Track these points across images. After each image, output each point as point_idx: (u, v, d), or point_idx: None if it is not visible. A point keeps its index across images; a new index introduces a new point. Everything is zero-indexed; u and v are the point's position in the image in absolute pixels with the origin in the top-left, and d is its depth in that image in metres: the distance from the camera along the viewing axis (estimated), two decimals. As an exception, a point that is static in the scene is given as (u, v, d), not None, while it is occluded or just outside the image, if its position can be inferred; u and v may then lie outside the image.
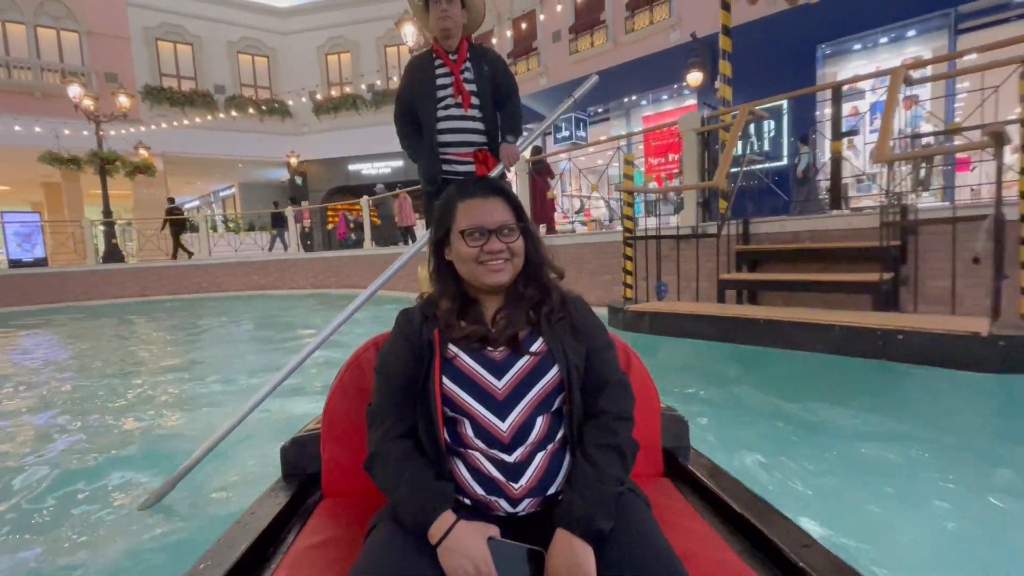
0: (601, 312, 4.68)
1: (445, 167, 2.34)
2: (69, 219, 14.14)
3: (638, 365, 1.10)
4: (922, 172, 3.45)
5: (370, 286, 2.28)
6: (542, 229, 7.77)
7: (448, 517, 0.74)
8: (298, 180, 18.52)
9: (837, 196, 4.88)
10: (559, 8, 13.10)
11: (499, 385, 0.83)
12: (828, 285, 3.78)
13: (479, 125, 2.33)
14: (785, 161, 9.51)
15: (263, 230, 15.81)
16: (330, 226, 16.65)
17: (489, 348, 0.86)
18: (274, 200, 16.53)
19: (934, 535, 1.57)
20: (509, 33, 14.50)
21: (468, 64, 2.30)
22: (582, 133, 13.98)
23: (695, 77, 10.60)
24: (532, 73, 14.00)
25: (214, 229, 16.98)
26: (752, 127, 9.67)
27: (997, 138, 2.97)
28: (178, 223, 13.35)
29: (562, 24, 13.39)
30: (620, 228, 4.90)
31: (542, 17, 13.75)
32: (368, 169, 18.21)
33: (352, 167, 18.40)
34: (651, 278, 4.66)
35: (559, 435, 0.84)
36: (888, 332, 3.00)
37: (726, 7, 5.64)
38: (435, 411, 0.82)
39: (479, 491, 0.80)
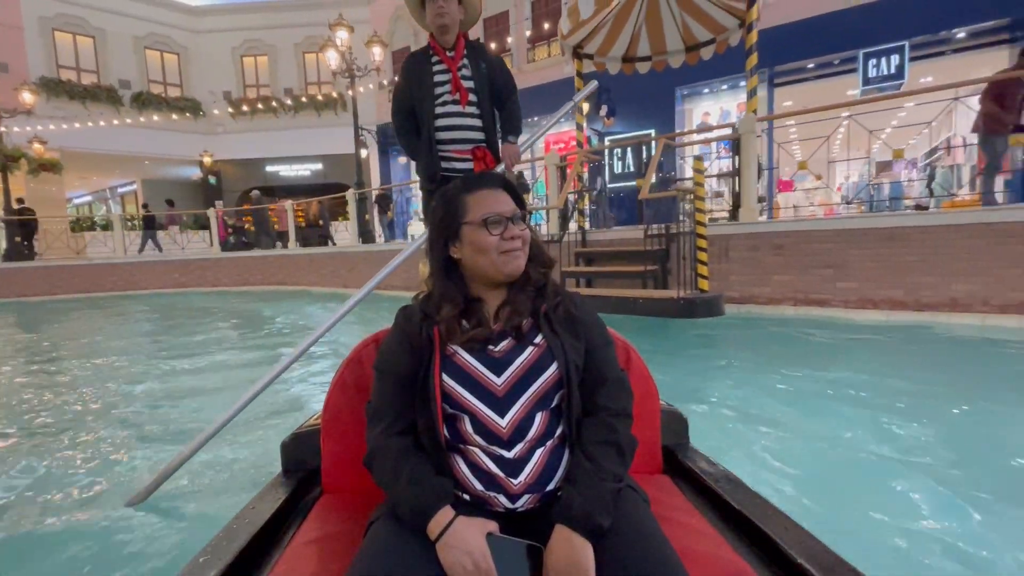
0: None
1: (444, 164, 2.33)
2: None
3: (637, 361, 1.10)
4: (686, 203, 5.38)
5: (365, 285, 2.31)
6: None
7: (447, 513, 0.74)
8: (212, 179, 18.46)
9: (640, 215, 6.93)
10: (471, 34, 14.65)
11: (498, 382, 0.83)
12: (625, 274, 5.77)
13: (477, 122, 2.31)
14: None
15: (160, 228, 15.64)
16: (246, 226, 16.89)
17: (490, 346, 0.86)
18: (167, 199, 16.33)
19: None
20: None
21: (465, 61, 2.29)
22: (492, 146, 15.62)
23: (584, 106, 12.58)
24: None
25: (106, 228, 16.47)
26: (617, 154, 11.82)
27: (680, 192, 4.96)
28: (27, 224, 12.64)
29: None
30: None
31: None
32: (287, 171, 18.60)
33: (270, 168, 18.67)
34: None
35: (558, 432, 0.85)
36: (636, 299, 5.02)
37: (588, 58, 7.43)
38: (435, 408, 0.82)
39: (478, 487, 0.81)
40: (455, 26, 2.24)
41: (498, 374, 0.84)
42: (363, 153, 13.89)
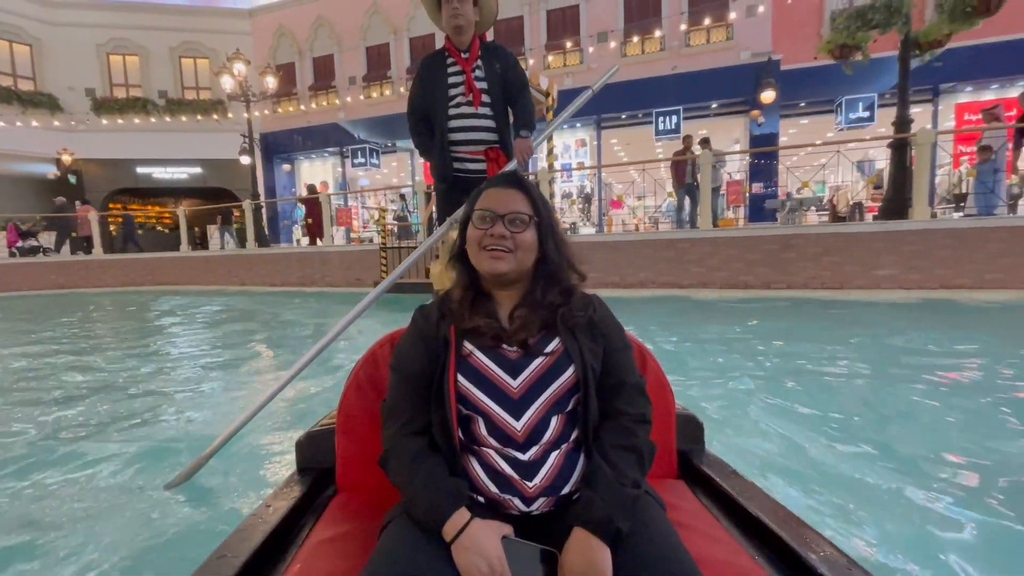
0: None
1: (456, 165, 2.34)
2: None
3: (653, 365, 1.09)
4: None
5: (383, 282, 2.32)
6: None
7: (463, 515, 0.74)
8: (72, 178, 17.66)
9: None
10: (356, 59, 16.28)
11: (514, 384, 0.83)
12: None
13: (490, 123, 2.32)
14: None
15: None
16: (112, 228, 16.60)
17: (504, 346, 0.86)
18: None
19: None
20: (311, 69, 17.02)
21: (479, 62, 2.29)
22: (375, 160, 17.25)
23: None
24: (331, 107, 16.80)
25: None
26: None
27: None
28: None
29: (357, 72, 16.53)
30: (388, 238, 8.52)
31: (339, 60, 16.68)
32: (162, 173, 18.39)
33: (141, 170, 18.31)
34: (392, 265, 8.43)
35: (573, 435, 0.85)
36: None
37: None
38: (449, 408, 0.82)
39: (493, 489, 0.81)
40: (470, 27, 2.26)
41: (514, 376, 0.84)
42: (246, 160, 14.77)
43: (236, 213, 14.11)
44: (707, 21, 12.75)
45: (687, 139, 9.13)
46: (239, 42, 17.56)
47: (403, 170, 19.00)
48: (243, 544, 0.85)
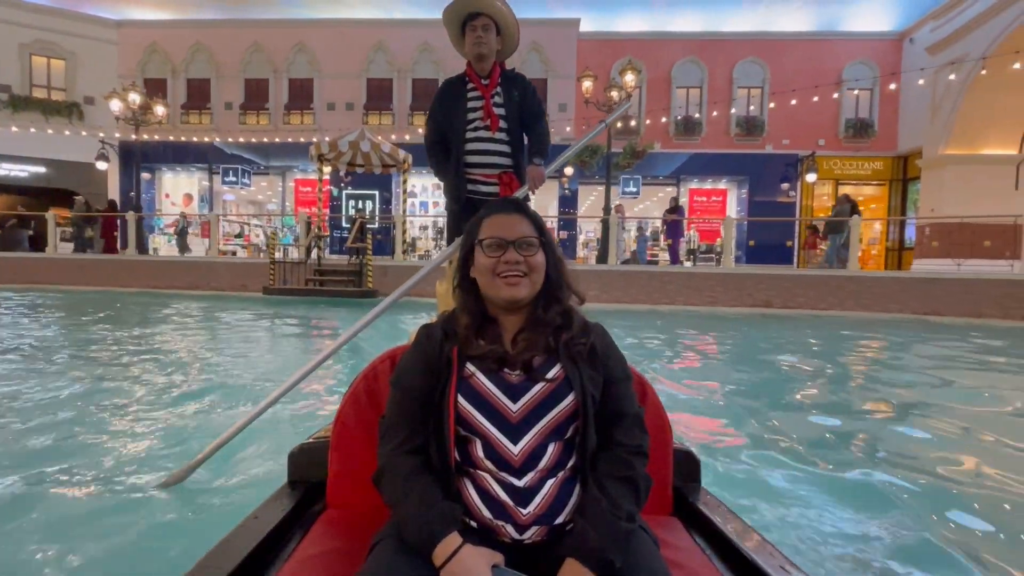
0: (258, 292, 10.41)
1: (470, 187, 2.42)
2: None
3: (653, 397, 1.09)
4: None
5: (393, 293, 2.36)
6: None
7: (454, 539, 0.73)
8: None
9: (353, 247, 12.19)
10: (235, 88, 17.77)
11: (514, 408, 0.83)
12: (337, 282, 10.73)
13: (506, 148, 2.42)
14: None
15: None
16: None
17: (506, 370, 0.86)
18: None
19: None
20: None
21: (499, 89, 2.39)
22: (246, 180, 18.62)
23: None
24: (203, 126, 17.91)
25: None
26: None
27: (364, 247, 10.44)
28: None
29: (235, 99, 17.97)
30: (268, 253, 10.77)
31: (216, 85, 17.95)
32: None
33: (-31, 163, 17.19)
34: (279, 275, 10.68)
35: (570, 463, 0.85)
36: (344, 291, 10.25)
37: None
38: (447, 429, 0.82)
39: (487, 514, 0.81)
40: (492, 55, 2.35)
41: (514, 400, 0.84)
42: (103, 165, 15.27)
43: (64, 216, 14.11)
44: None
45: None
46: (102, 50, 17.90)
47: (273, 191, 20.43)
48: (228, 555, 0.85)
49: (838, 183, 16.97)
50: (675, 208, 12.52)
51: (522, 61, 16.59)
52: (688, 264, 13.87)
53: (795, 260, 15.70)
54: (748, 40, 16.84)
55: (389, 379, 0.94)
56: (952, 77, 13.39)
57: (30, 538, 1.70)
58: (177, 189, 19.55)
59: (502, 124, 2.39)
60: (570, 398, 0.84)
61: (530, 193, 2.38)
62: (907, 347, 6.61)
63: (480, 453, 0.83)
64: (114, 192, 18.06)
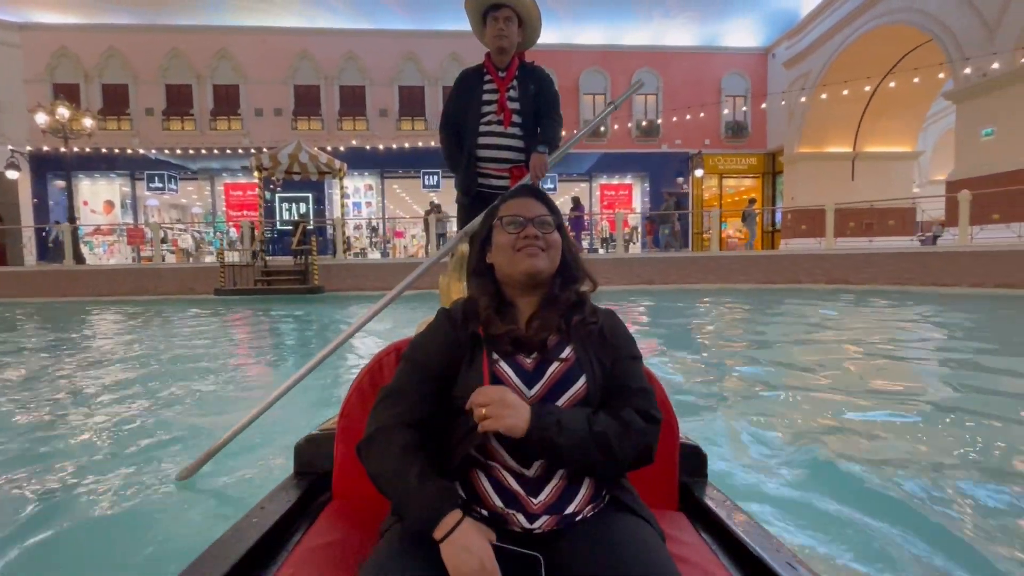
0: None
1: (480, 180, 2.41)
2: None
3: (660, 393, 1.06)
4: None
5: (398, 284, 2.38)
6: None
7: (455, 514, 0.73)
8: None
9: (298, 249, 13.16)
10: (156, 93, 17.71)
11: (529, 394, 0.84)
12: (284, 281, 11.76)
13: (518, 143, 2.39)
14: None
15: None
16: None
17: (522, 355, 0.87)
18: None
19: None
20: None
21: (515, 83, 2.36)
22: (173, 186, 18.61)
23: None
24: (123, 132, 17.74)
25: None
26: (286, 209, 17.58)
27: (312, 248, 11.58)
28: None
29: (156, 104, 17.92)
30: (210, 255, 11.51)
31: (135, 91, 17.79)
32: None
33: None
34: (229, 277, 11.49)
35: None
36: (292, 288, 11.21)
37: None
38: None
39: (498, 503, 0.81)
40: (512, 48, 2.32)
41: (529, 387, 0.84)
42: (14, 175, 14.97)
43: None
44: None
45: (432, 203, 14.36)
46: (4, 53, 17.16)
47: (200, 196, 20.42)
48: (234, 546, 0.86)
49: (722, 177, 19.85)
50: (576, 206, 14.57)
51: (443, 71, 17.97)
52: (596, 254, 15.93)
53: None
54: (644, 52, 19.17)
55: (397, 362, 0.95)
56: (802, 88, 16.36)
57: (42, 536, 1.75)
58: (97, 196, 19.11)
59: (515, 118, 2.37)
60: (581, 381, 0.85)
61: (533, 181, 2.30)
62: (742, 307, 8.91)
63: (492, 441, 0.82)
64: (26, 202, 17.48)
